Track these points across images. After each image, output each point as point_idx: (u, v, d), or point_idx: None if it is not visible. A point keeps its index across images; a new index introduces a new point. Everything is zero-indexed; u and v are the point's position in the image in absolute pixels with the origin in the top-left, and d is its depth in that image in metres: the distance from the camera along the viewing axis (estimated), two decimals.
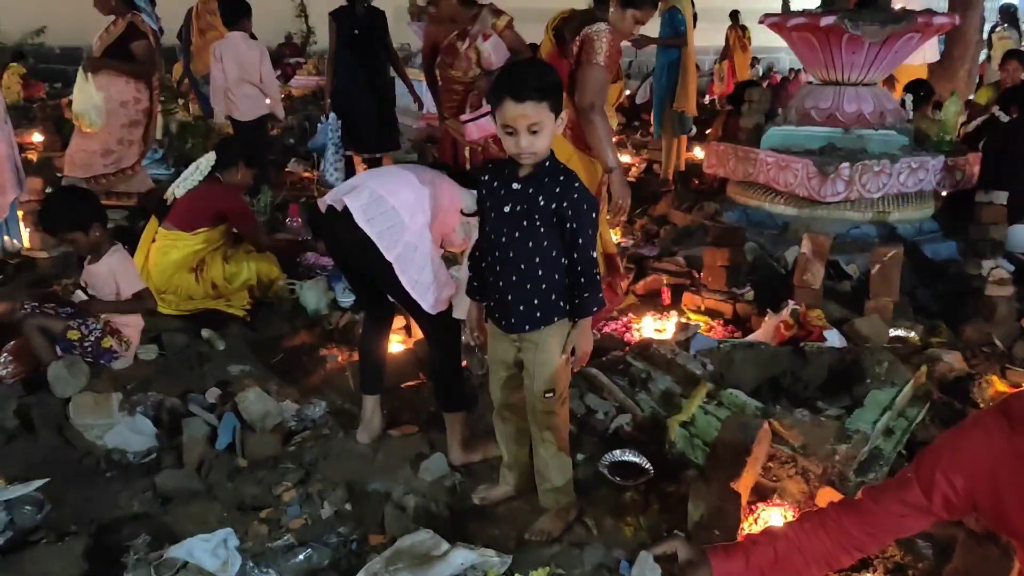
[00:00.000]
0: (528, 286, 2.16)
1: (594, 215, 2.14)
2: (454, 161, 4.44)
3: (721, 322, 3.81)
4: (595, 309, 2.19)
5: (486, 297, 2.32)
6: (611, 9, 3.31)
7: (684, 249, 4.75)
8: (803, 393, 2.97)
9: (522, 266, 2.15)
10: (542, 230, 2.12)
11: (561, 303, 2.19)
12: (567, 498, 2.37)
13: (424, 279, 2.55)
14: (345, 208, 2.55)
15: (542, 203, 2.10)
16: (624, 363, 3.15)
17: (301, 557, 2.22)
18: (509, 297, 2.19)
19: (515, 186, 2.14)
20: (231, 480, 2.64)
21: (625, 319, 3.89)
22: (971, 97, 8.01)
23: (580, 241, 2.11)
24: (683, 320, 3.85)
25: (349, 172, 6.03)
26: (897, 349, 3.35)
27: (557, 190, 2.10)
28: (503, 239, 2.17)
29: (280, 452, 2.80)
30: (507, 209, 2.15)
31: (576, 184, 2.12)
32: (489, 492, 2.53)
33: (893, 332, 3.61)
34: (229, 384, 3.29)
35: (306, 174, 6.88)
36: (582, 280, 2.15)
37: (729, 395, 2.71)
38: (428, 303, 2.56)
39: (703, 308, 3.92)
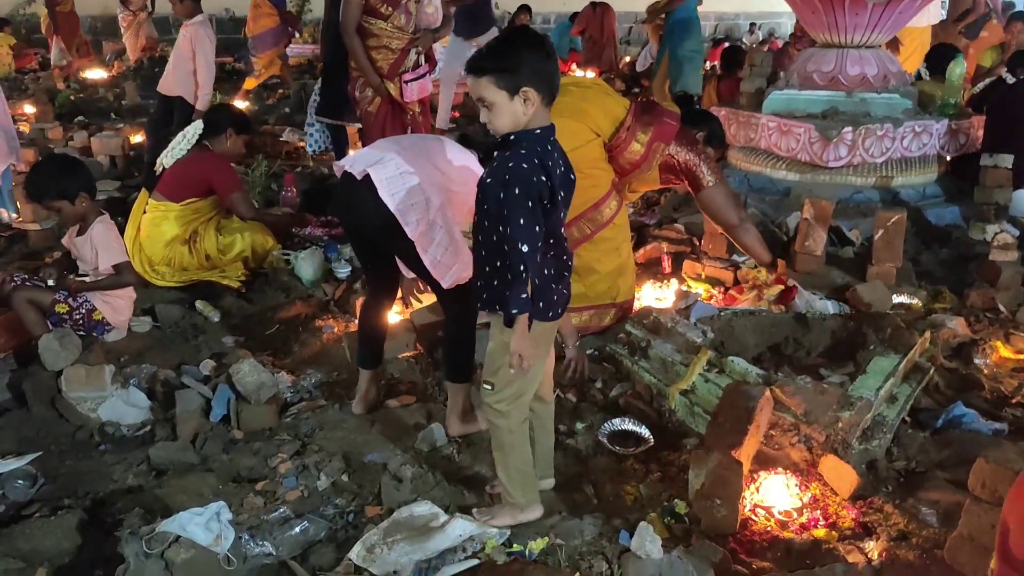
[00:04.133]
0: (479, 266, 2.10)
1: (513, 204, 1.91)
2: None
3: (722, 290, 3.76)
4: (513, 311, 1.96)
5: None
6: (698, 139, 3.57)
7: (684, 216, 4.69)
8: (805, 360, 2.93)
9: (479, 249, 2.09)
10: (485, 210, 2.02)
11: (496, 294, 2.05)
12: (514, 498, 2.21)
13: (445, 259, 2.49)
14: (366, 177, 2.47)
15: (485, 182, 2.02)
16: (624, 331, 3.11)
17: (297, 529, 2.20)
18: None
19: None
20: (226, 452, 2.61)
21: None
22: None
23: (500, 228, 1.95)
24: (683, 288, 3.80)
25: (342, 142, 5.94)
26: (900, 315, 3.31)
27: (487, 173, 2.02)
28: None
29: (276, 424, 2.78)
30: None
31: (496, 165, 1.96)
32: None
33: (896, 298, 3.56)
34: (224, 356, 3.25)
35: (301, 144, 6.80)
36: (506, 276, 1.98)
37: (730, 363, 2.67)
38: (447, 280, 2.51)
39: (703, 276, 3.87)
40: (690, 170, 3.44)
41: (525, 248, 1.91)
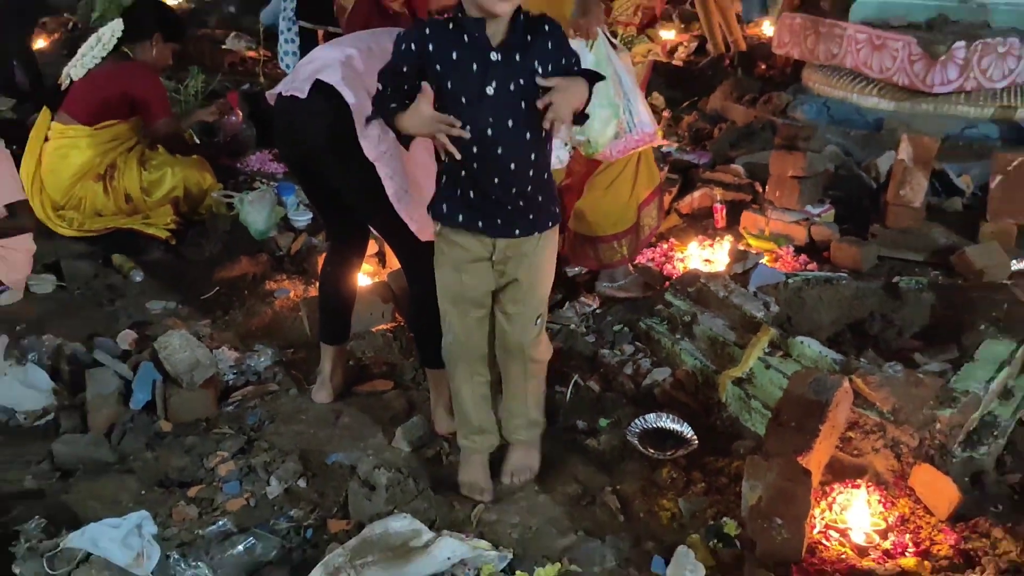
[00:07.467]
0: (526, 188, 2.18)
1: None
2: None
3: (791, 250, 3.76)
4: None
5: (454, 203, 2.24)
6: None
7: (745, 155, 4.67)
8: (896, 342, 2.94)
9: (512, 165, 2.12)
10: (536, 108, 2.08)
11: (552, 206, 2.27)
12: (541, 428, 2.55)
13: (415, 192, 2.48)
14: (312, 92, 2.44)
15: (541, 70, 2.08)
16: (663, 302, 3.11)
17: (241, 548, 2.22)
18: (494, 198, 2.18)
19: (494, 57, 2.06)
20: (151, 449, 2.64)
21: (665, 246, 3.84)
22: None
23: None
24: (741, 247, 3.80)
25: (311, 47, 5.89)
26: (1021, 287, 3.30)
27: (549, 46, 2.10)
28: (488, 131, 2.09)
29: (214, 413, 2.81)
30: (491, 91, 2.07)
31: (561, 31, 2.15)
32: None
33: (1016, 264, 3.55)
34: (148, 326, 3.28)
35: (250, 53, 6.78)
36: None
37: (799, 344, 2.68)
38: (416, 223, 2.48)
39: (767, 232, 3.87)
40: None
41: None
